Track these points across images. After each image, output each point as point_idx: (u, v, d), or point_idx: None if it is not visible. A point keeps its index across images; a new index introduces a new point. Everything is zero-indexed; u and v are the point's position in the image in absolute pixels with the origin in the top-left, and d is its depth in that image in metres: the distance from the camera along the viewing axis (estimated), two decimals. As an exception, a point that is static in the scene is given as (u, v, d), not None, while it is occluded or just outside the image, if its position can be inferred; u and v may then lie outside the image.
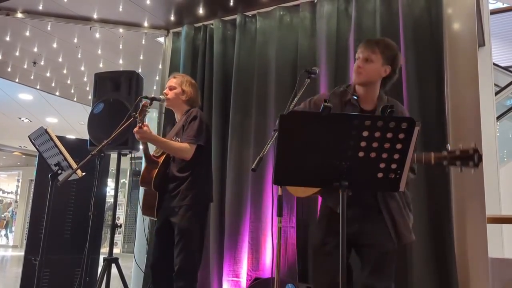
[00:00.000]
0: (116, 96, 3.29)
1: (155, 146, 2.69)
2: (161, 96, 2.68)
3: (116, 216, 3.28)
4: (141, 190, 2.84)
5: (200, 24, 3.92)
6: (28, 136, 2.67)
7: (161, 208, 2.61)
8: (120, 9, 3.86)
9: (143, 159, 2.64)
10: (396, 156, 1.41)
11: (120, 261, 3.06)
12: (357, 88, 2.05)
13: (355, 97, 2.04)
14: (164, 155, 2.62)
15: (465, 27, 2.91)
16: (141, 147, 3.13)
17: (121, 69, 4.86)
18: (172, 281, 2.52)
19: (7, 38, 4.56)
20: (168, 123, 3.00)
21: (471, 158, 1.78)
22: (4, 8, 3.97)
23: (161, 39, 4.34)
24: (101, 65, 5.18)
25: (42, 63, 5.20)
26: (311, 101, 2.14)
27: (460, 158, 1.80)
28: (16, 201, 14.80)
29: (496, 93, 4.91)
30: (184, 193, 2.55)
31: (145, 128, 2.42)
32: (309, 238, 3.09)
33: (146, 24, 4.12)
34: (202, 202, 2.63)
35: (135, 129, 2.43)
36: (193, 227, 2.55)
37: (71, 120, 8.50)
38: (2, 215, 15.42)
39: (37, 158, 4.13)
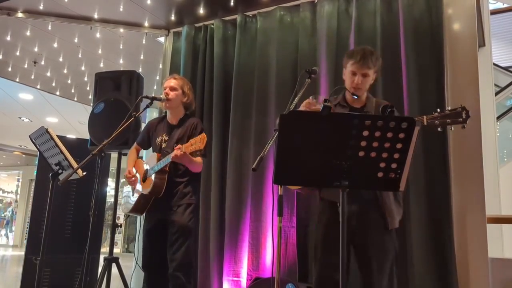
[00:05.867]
0: (116, 96, 3.30)
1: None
2: (161, 96, 2.69)
3: (117, 215, 3.28)
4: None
5: (200, 24, 3.93)
6: (29, 136, 2.67)
7: (154, 208, 2.63)
8: (121, 9, 3.86)
9: (152, 171, 2.64)
10: (396, 156, 1.42)
11: (120, 261, 3.07)
12: (348, 94, 2.23)
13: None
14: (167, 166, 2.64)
15: (465, 27, 2.92)
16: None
17: (121, 69, 4.86)
18: (165, 279, 2.54)
19: (8, 38, 4.56)
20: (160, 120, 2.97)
21: (460, 115, 1.95)
22: (4, 8, 3.97)
23: (162, 39, 4.35)
24: (101, 65, 5.18)
25: (42, 62, 5.20)
26: None
27: (449, 116, 1.97)
28: (16, 201, 14.80)
29: (496, 93, 4.91)
30: (182, 192, 2.64)
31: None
32: (309, 236, 3.10)
33: (146, 24, 4.13)
34: (197, 202, 2.72)
35: (180, 153, 2.41)
36: (191, 225, 2.63)
37: (72, 119, 8.50)
38: (2, 215, 15.43)
39: (37, 158, 4.14)
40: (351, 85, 2.16)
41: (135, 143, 2.93)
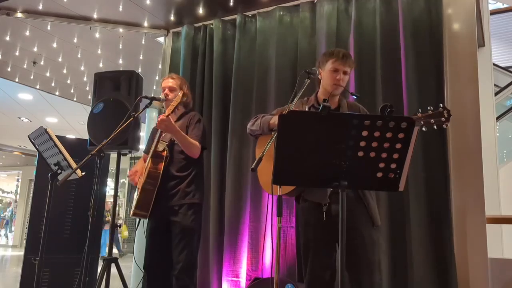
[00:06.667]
0: (116, 96, 3.29)
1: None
2: (161, 96, 2.70)
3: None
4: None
5: (200, 24, 3.92)
6: (28, 136, 2.67)
7: (156, 207, 2.59)
8: (120, 9, 3.86)
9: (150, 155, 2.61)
10: (395, 156, 1.42)
11: (119, 261, 3.06)
12: (322, 95, 2.28)
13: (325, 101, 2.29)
14: (166, 151, 2.62)
15: (465, 27, 2.91)
16: (141, 146, 3.13)
17: (121, 69, 4.86)
18: (168, 280, 2.53)
19: (7, 38, 4.56)
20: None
21: (442, 114, 2.00)
22: (4, 8, 3.96)
23: (161, 39, 4.34)
24: (101, 65, 5.17)
25: (42, 63, 5.20)
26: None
27: (432, 116, 2.02)
28: (15, 201, 14.81)
29: (496, 94, 4.91)
30: (184, 191, 2.59)
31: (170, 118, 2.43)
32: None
33: (146, 24, 4.12)
34: (200, 200, 2.68)
35: (162, 117, 2.41)
36: (195, 225, 2.61)
37: (71, 120, 8.50)
38: (2, 215, 15.43)
39: (36, 158, 4.13)
40: (333, 81, 2.18)
41: (143, 153, 2.90)
